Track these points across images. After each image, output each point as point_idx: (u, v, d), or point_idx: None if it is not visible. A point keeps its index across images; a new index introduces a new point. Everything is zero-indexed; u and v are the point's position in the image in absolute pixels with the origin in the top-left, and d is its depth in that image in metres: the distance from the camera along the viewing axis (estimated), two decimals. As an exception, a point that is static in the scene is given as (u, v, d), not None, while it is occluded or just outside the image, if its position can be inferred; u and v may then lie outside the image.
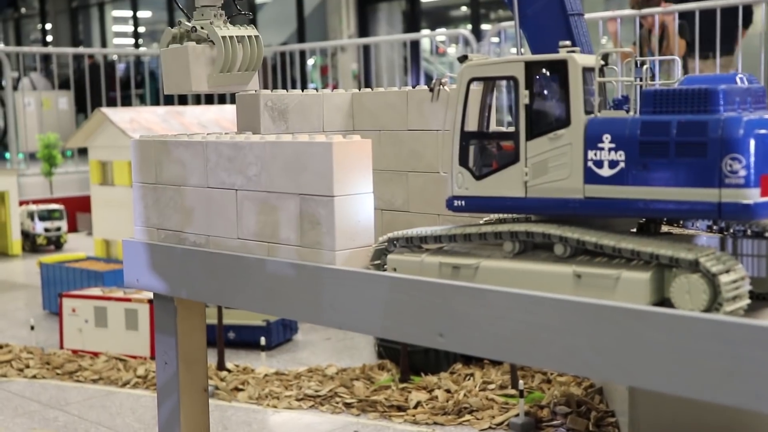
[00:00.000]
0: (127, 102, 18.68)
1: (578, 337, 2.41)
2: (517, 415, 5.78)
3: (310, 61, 24.42)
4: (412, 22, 24.44)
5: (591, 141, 2.65)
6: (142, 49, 22.46)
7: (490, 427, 5.75)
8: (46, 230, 11.88)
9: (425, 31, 24.59)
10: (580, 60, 2.69)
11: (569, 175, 2.68)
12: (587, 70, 2.73)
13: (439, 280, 2.70)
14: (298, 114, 3.92)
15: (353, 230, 2.99)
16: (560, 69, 2.70)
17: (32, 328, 7.89)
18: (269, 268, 3.08)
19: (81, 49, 18.26)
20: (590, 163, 2.65)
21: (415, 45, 21.25)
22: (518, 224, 2.76)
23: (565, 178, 2.69)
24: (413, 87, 3.82)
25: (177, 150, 3.44)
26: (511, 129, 2.82)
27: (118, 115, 8.54)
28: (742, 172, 2.45)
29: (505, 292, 2.54)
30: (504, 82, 2.91)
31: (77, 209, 13.32)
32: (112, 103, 18.01)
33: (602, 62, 2.76)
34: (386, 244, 2.98)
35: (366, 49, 19.81)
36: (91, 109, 17.29)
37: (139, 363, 7.01)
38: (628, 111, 2.84)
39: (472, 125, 2.89)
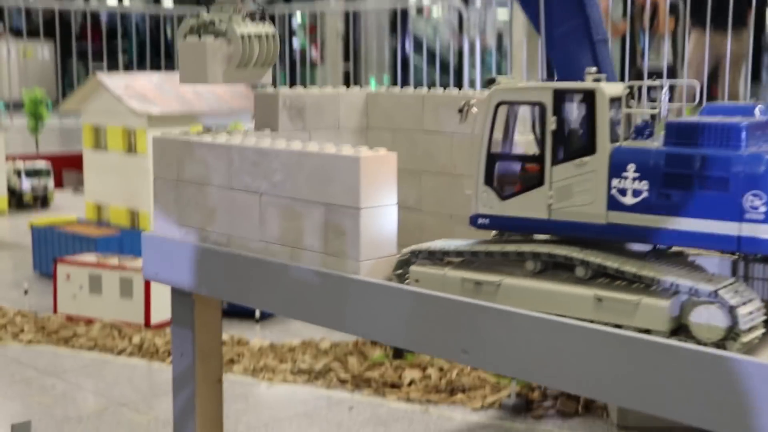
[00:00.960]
0: (112, 54, 18.57)
1: (598, 364, 2.52)
2: (509, 396, 5.94)
3: (296, 19, 24.24)
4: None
5: (616, 169, 2.74)
6: (126, 3, 22.23)
7: (482, 407, 5.90)
8: (33, 188, 11.87)
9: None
10: (607, 90, 2.76)
11: (593, 200, 2.77)
12: (614, 100, 2.81)
13: (463, 298, 2.79)
14: (315, 112, 3.98)
15: (377, 241, 3.07)
16: (588, 98, 2.78)
17: (26, 292, 7.94)
18: (293, 274, 3.16)
19: (65, 2, 17.99)
20: (614, 191, 2.74)
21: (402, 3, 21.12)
22: (541, 245, 2.85)
23: (589, 204, 2.78)
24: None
25: (200, 151, 3.49)
26: (537, 152, 2.90)
27: (114, 81, 8.53)
28: (763, 208, 2.56)
29: (529, 316, 2.64)
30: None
31: (63, 166, 13.29)
32: (96, 55, 17.84)
33: (628, 91, 2.85)
34: (409, 255, 3.07)
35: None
36: (75, 61, 17.18)
37: (135, 331, 7.09)
38: (650, 135, 2.93)
39: (497, 146, 2.97)
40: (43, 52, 24.22)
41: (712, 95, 12.76)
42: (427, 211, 3.98)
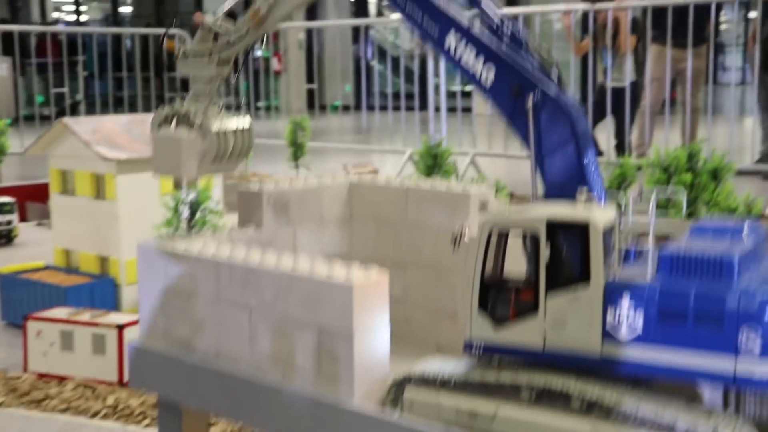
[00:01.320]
0: (72, 67, 18.37)
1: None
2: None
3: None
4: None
5: (610, 303, 2.75)
6: (84, 20, 22.02)
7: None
8: (-3, 224, 11.68)
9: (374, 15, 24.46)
10: (600, 222, 2.77)
11: (587, 333, 2.78)
12: (606, 230, 2.81)
13: (459, 435, 2.79)
14: (299, 206, 3.96)
15: (371, 365, 3.06)
16: (581, 230, 2.78)
17: (-6, 354, 7.79)
18: (286, 397, 3.14)
19: (13, 27, 17.68)
20: (608, 324, 2.76)
21: (363, 6, 21.09)
22: (536, 375, 2.85)
23: (583, 336, 2.79)
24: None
25: (186, 263, 3.46)
26: (530, 277, 2.90)
27: (81, 125, 8.40)
28: (758, 345, 2.58)
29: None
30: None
31: (26, 198, 13.09)
32: (57, 68, 17.60)
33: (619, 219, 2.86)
34: (402, 379, 3.06)
35: (313, 13, 19.68)
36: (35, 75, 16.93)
37: (109, 391, 6.98)
38: (637, 255, 2.95)
39: (490, 272, 2.96)
40: (1, 68, 23.90)
41: (672, 98, 13.07)
42: (413, 304, 3.97)
